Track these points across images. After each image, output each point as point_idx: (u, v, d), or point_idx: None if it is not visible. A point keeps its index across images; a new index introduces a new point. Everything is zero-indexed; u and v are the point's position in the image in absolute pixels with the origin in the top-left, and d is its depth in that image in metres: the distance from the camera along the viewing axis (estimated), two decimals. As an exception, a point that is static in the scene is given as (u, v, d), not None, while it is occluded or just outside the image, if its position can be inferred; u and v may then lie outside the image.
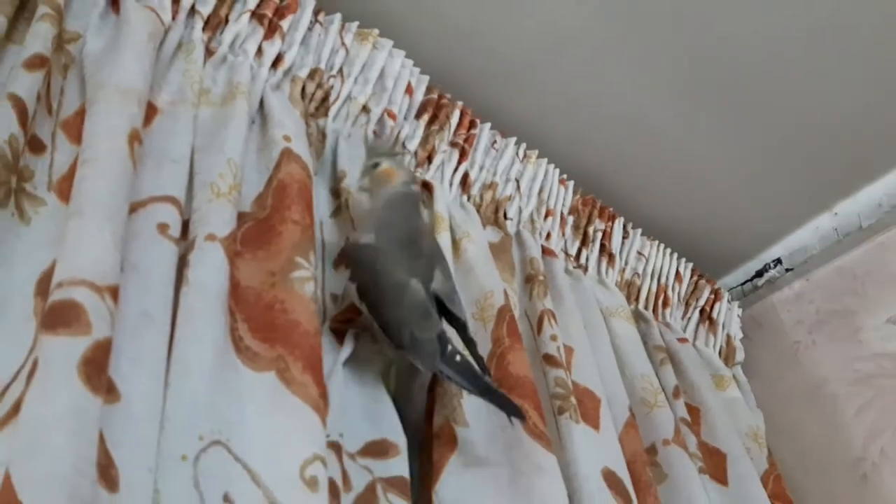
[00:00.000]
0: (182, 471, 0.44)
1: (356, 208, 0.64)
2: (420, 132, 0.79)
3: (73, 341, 0.40)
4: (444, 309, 0.60)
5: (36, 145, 0.53)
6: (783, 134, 0.92)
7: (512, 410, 0.57)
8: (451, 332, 0.60)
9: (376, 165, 0.63)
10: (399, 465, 0.55)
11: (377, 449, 0.55)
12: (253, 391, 0.49)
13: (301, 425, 0.48)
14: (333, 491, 0.49)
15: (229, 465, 0.45)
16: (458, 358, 0.56)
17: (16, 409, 0.40)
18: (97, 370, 0.40)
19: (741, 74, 0.86)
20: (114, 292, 0.43)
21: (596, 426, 0.71)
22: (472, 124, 0.84)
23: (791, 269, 1.04)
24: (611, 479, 0.67)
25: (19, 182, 0.51)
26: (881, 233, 0.98)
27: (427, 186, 0.79)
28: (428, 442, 0.60)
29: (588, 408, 0.72)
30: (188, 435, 0.45)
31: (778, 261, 1.05)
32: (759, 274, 1.06)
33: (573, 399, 0.70)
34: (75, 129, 0.54)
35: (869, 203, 0.98)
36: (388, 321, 0.57)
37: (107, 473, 0.41)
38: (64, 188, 0.51)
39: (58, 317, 0.41)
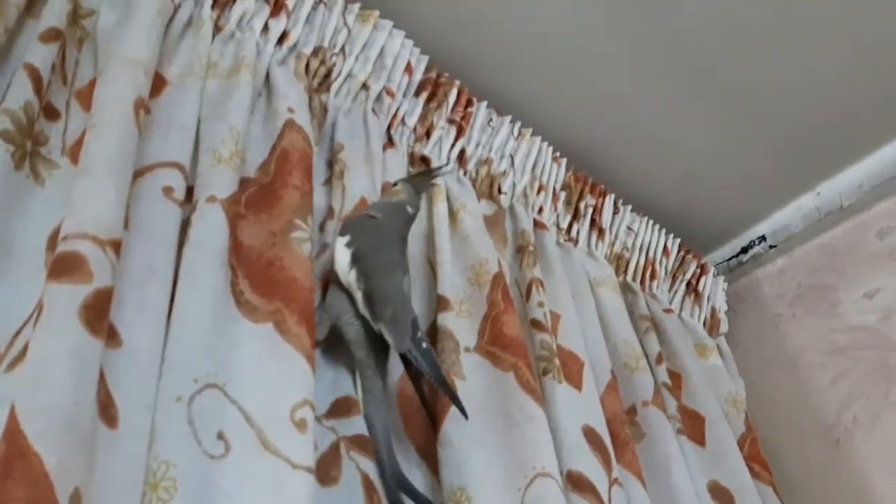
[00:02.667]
0: (177, 410, 0.45)
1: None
2: (419, 109, 0.79)
3: (74, 289, 0.41)
4: None
5: (51, 113, 0.54)
6: (769, 116, 0.91)
7: (461, 407, 0.56)
8: None
9: (395, 184, 0.67)
10: (361, 424, 0.55)
11: (342, 407, 0.55)
12: (251, 340, 0.50)
13: (293, 372, 0.49)
14: None
15: (224, 405, 0.46)
16: (424, 345, 0.56)
17: (25, 351, 0.42)
18: (97, 315, 0.41)
19: (728, 58, 0.85)
20: (115, 245, 0.44)
21: (578, 386, 0.72)
22: (468, 103, 0.84)
23: (775, 246, 1.03)
24: (590, 435, 0.68)
25: (34, 146, 0.52)
26: (861, 212, 0.97)
27: (425, 161, 0.79)
28: (431, 393, 0.61)
29: (571, 369, 0.72)
30: (184, 378, 0.46)
31: (762, 238, 1.04)
32: (745, 250, 1.05)
33: (557, 361, 0.71)
34: (88, 98, 0.55)
35: (850, 184, 0.97)
36: (376, 291, 0.57)
37: (107, 411, 0.42)
38: (76, 153, 0.52)
39: (62, 266, 0.42)
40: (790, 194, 1.00)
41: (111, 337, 0.44)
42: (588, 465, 0.64)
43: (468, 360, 0.63)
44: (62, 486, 0.36)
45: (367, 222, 0.61)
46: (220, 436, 0.45)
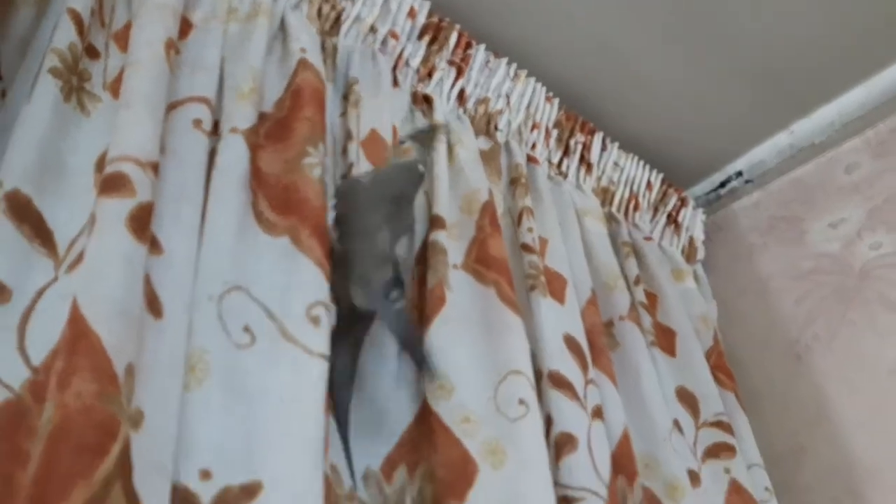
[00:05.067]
0: (209, 307, 0.51)
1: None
2: (421, 52, 0.83)
3: (121, 202, 0.47)
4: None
5: (92, 52, 0.59)
6: (747, 59, 0.94)
7: (418, 361, 0.57)
8: None
9: (402, 142, 0.67)
10: None
11: None
12: (270, 251, 0.55)
13: (307, 277, 0.54)
14: None
15: (248, 304, 0.52)
16: (397, 305, 0.55)
17: (80, 257, 0.47)
18: (141, 225, 0.47)
19: (710, 2, 0.88)
20: (154, 167, 0.50)
21: (561, 301, 0.77)
22: (468, 46, 0.87)
23: (751, 181, 1.07)
24: (570, 342, 0.74)
25: (80, 82, 0.57)
26: (831, 149, 1.00)
27: (427, 99, 0.83)
28: (419, 300, 0.66)
29: (556, 287, 0.78)
30: (214, 281, 0.52)
31: (739, 173, 1.08)
32: (723, 185, 1.09)
33: (543, 278, 0.76)
34: (123, 40, 0.60)
35: (822, 122, 1.00)
36: (350, 252, 0.57)
37: (153, 305, 0.48)
38: (115, 88, 0.57)
39: (110, 184, 0.47)
40: (766, 132, 1.04)
41: (153, 246, 0.50)
42: (567, 367, 0.70)
43: (455, 275, 0.68)
44: (118, 360, 0.42)
45: (353, 186, 0.62)
46: (247, 329, 0.51)
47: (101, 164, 0.53)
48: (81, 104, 0.56)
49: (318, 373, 0.50)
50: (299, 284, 0.54)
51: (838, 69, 0.96)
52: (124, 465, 0.40)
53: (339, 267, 0.56)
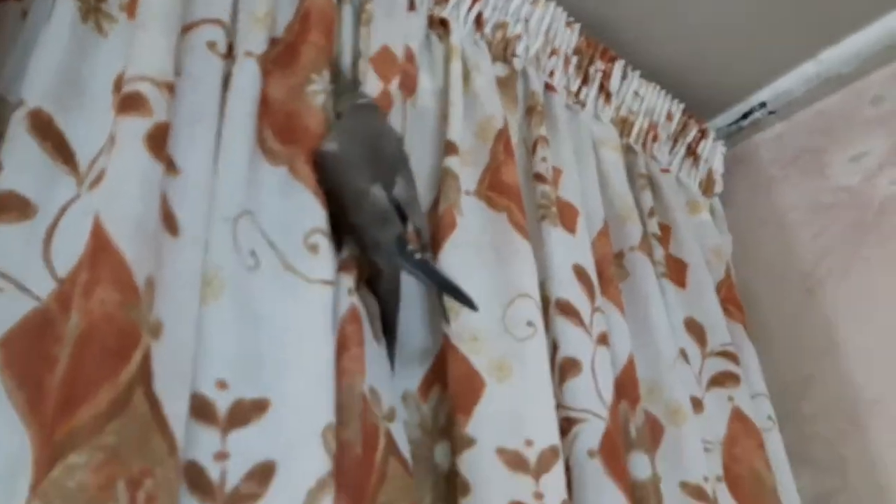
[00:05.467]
0: (224, 228, 0.52)
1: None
2: (438, -26, 0.82)
3: (138, 121, 0.48)
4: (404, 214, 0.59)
5: (108, -26, 0.59)
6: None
7: (464, 299, 0.59)
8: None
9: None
10: None
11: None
12: (270, 180, 0.57)
13: (304, 206, 0.56)
14: None
15: (254, 230, 0.54)
16: (416, 256, 0.57)
17: (101, 175, 0.49)
18: (158, 143, 0.48)
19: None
20: (170, 87, 0.51)
21: (573, 231, 0.78)
22: (486, -33, 0.85)
23: (774, 112, 1.05)
24: (579, 272, 0.75)
25: (97, 2, 0.58)
26: (858, 80, 0.98)
27: (443, 23, 0.82)
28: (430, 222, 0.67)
29: (567, 217, 0.79)
30: (230, 203, 0.53)
31: (763, 104, 1.06)
32: (745, 116, 1.07)
33: (554, 209, 0.77)
34: (139, -41, 0.60)
35: (850, 52, 0.97)
36: (352, 225, 0.57)
37: (170, 222, 0.50)
38: (131, 9, 0.58)
39: (127, 103, 0.49)
40: (792, 61, 1.01)
41: (170, 166, 0.51)
42: (574, 294, 0.72)
43: (467, 201, 0.69)
44: (139, 272, 0.44)
45: (326, 160, 0.58)
46: (253, 253, 0.53)
47: (118, 83, 0.54)
48: (98, 25, 0.57)
49: (318, 298, 0.52)
50: (296, 213, 0.55)
51: (870, -4, 0.92)
52: (145, 371, 0.43)
53: (352, 239, 0.57)
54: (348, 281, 0.56)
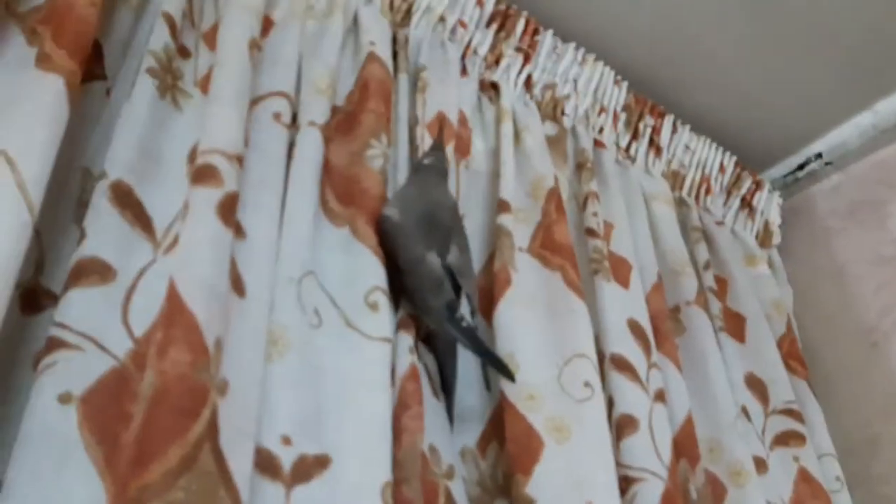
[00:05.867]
0: (289, 289, 0.55)
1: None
2: (489, 39, 0.85)
3: (211, 191, 0.52)
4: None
5: (184, 52, 0.64)
6: (827, 35, 0.91)
7: (504, 370, 0.61)
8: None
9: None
10: None
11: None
12: (333, 241, 0.60)
13: (365, 265, 0.58)
14: None
15: (317, 289, 0.56)
16: (464, 323, 0.59)
17: (175, 240, 0.53)
18: (228, 211, 0.52)
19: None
20: (239, 159, 0.54)
21: (626, 285, 0.78)
22: (535, 32, 0.88)
23: (830, 163, 1.04)
24: (634, 326, 0.75)
25: (173, 80, 0.62)
26: (917, 130, 0.97)
27: (494, 87, 0.85)
28: (486, 278, 0.69)
29: (620, 271, 0.79)
30: (294, 264, 0.56)
31: (819, 155, 1.05)
32: (801, 167, 1.07)
33: (607, 263, 0.78)
34: (212, 39, 0.64)
35: (907, 102, 0.96)
36: (407, 289, 0.60)
37: (238, 285, 0.53)
38: (205, 85, 0.62)
39: (201, 175, 0.52)
40: (847, 112, 1.00)
41: (238, 231, 0.54)
42: (629, 350, 0.72)
43: (521, 258, 0.71)
44: (209, 333, 0.47)
45: (385, 226, 0.61)
46: (316, 311, 0.56)
47: (192, 155, 0.58)
48: (175, 100, 0.61)
49: (379, 355, 0.54)
50: (357, 272, 0.58)
51: (925, 46, 0.92)
52: (212, 428, 0.45)
53: (406, 300, 0.60)
54: (408, 339, 0.58)
